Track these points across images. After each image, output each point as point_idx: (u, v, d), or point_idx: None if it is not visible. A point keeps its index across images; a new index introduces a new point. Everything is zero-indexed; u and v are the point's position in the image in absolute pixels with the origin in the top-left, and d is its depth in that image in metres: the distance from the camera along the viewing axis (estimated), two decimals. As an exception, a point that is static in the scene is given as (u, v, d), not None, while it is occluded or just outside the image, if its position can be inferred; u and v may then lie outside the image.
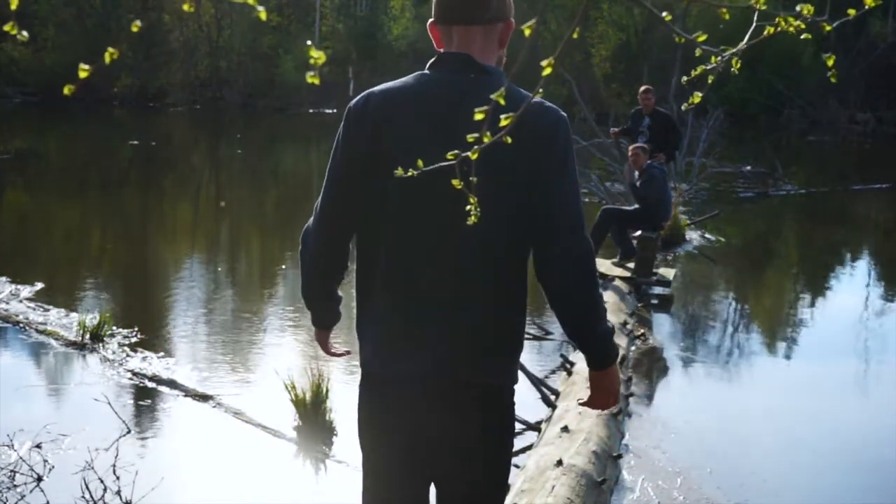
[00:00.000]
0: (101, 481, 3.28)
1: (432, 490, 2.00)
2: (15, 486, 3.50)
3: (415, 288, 1.82)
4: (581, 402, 1.96)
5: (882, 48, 30.51)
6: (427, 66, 1.90)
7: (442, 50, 1.90)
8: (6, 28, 1.07)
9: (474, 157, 0.92)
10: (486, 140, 0.91)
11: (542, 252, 1.81)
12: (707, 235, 10.43)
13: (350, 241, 1.97)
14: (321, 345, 2.14)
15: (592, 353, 1.87)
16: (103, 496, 3.24)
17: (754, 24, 0.92)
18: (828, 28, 0.92)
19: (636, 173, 7.99)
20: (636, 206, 7.94)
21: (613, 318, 5.90)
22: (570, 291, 1.80)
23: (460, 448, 1.87)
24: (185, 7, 1.21)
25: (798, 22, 0.87)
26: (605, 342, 1.85)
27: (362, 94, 1.90)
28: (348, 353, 2.17)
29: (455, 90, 1.82)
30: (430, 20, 1.91)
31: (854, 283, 9.05)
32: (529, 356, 5.54)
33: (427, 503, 2.00)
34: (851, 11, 0.98)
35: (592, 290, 1.81)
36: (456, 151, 1.00)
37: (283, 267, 8.86)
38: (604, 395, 1.92)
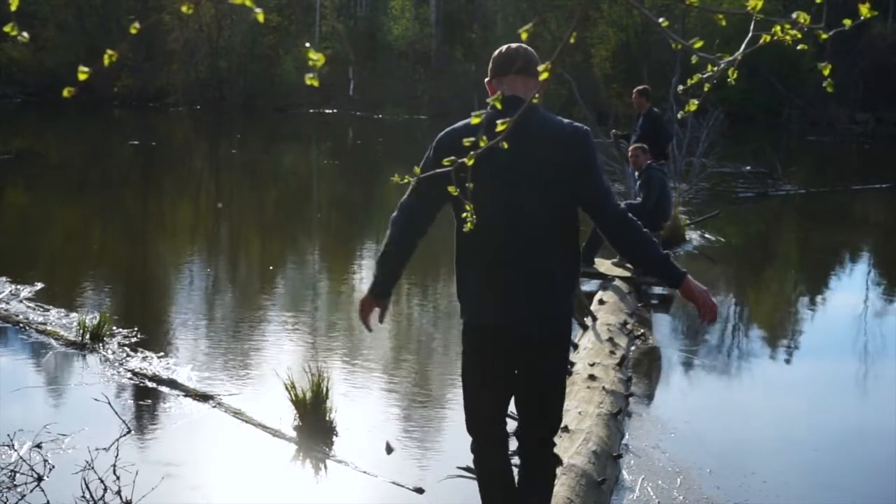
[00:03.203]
0: (102, 481, 3.28)
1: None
2: (15, 485, 3.51)
3: (498, 264, 2.66)
4: (701, 320, 2.65)
5: (882, 48, 30.46)
6: (488, 107, 2.43)
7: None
8: (6, 29, 1.07)
9: (470, 163, 0.96)
10: (482, 144, 0.93)
11: (599, 220, 2.69)
12: (707, 235, 10.43)
13: (420, 227, 2.80)
14: (366, 312, 2.81)
15: (661, 271, 2.65)
16: (103, 496, 3.25)
17: (751, 34, 0.92)
18: (824, 36, 0.92)
19: (636, 174, 7.99)
20: (636, 206, 7.93)
21: (613, 318, 5.90)
22: (623, 236, 2.68)
23: (538, 372, 2.75)
24: (184, 9, 1.21)
25: (795, 31, 0.87)
26: (664, 259, 2.64)
27: (448, 129, 2.75)
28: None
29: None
30: (487, 79, 2.78)
31: (854, 283, 9.05)
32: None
33: (505, 416, 2.85)
34: (847, 22, 0.98)
35: (638, 231, 2.64)
36: (452, 158, 1.30)
37: (283, 267, 8.86)
38: (702, 301, 2.61)
